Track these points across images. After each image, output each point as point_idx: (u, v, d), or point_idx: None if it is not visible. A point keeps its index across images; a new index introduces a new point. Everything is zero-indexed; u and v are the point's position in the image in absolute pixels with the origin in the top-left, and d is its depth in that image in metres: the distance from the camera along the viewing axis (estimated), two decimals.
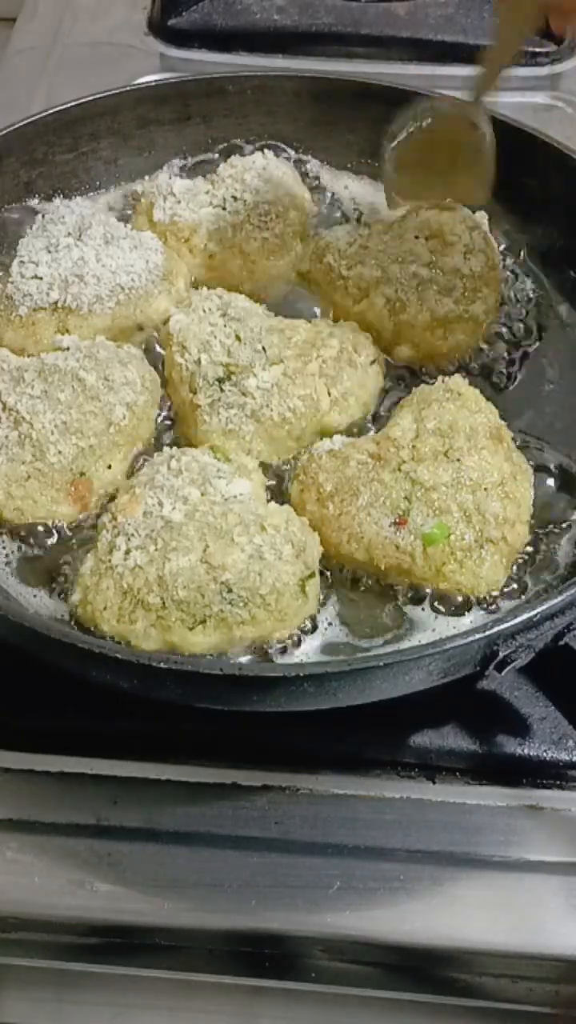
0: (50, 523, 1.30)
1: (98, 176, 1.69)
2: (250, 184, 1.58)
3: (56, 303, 1.42)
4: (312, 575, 1.21)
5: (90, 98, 1.64)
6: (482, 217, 1.54)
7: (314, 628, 1.22)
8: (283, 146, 1.72)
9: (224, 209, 1.56)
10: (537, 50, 2.03)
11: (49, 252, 1.45)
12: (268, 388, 1.34)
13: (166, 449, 1.30)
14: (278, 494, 1.33)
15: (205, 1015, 1.31)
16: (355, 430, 1.39)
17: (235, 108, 1.70)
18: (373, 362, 1.40)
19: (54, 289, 1.42)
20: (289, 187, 1.60)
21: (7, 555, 1.28)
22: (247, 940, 1.17)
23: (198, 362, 1.37)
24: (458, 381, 1.36)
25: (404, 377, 1.46)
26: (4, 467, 1.28)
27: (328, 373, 1.36)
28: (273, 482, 1.35)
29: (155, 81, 1.77)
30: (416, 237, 1.50)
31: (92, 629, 1.18)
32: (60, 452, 1.29)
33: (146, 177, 1.70)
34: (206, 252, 1.54)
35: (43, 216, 1.54)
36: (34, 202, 1.62)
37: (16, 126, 1.59)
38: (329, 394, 1.35)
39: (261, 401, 1.33)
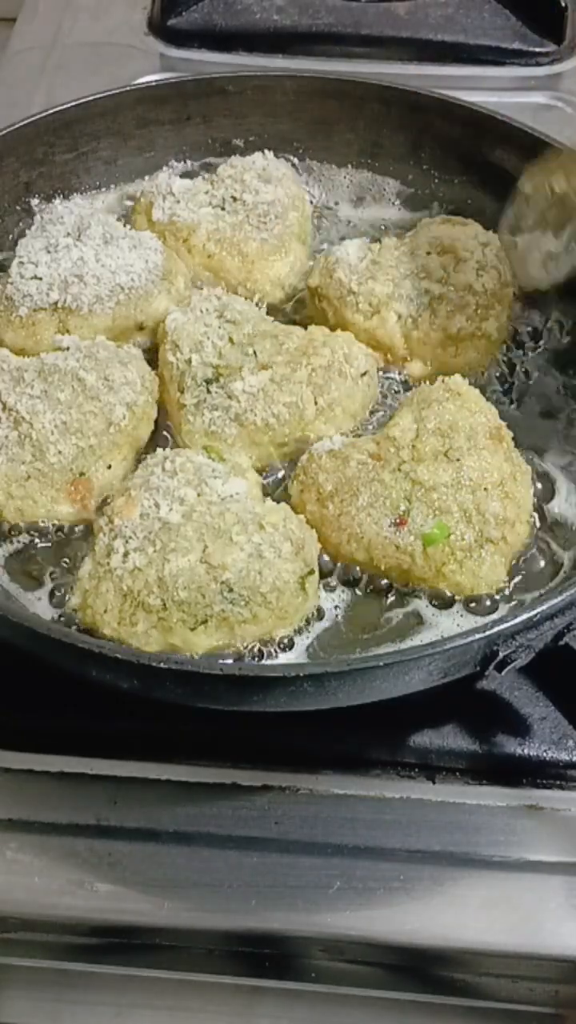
0: (50, 523, 1.30)
1: (98, 176, 1.69)
2: (250, 184, 1.58)
3: (56, 303, 1.42)
4: (311, 572, 1.21)
5: (90, 98, 1.64)
6: (494, 235, 1.51)
7: (313, 628, 1.22)
8: (283, 150, 1.71)
9: (223, 209, 1.56)
10: (537, 50, 2.03)
11: (48, 252, 1.45)
12: (254, 392, 1.33)
13: (159, 451, 1.30)
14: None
15: (205, 1015, 1.32)
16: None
17: (235, 108, 1.70)
18: (364, 374, 1.39)
19: (54, 289, 1.42)
20: (289, 188, 1.60)
21: (6, 555, 1.28)
22: (247, 940, 1.17)
23: (188, 362, 1.36)
24: (458, 381, 1.36)
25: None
26: (4, 467, 1.28)
27: (316, 382, 1.35)
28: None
29: (155, 81, 1.77)
30: (428, 253, 1.47)
31: (92, 632, 1.18)
32: (60, 452, 1.29)
33: (146, 177, 1.70)
34: (204, 252, 1.54)
35: (41, 216, 1.53)
36: (34, 202, 1.62)
37: (16, 126, 1.59)
38: (316, 403, 1.34)
39: (246, 405, 1.32)
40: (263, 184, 1.58)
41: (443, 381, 1.36)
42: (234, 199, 1.57)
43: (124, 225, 1.54)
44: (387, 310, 1.44)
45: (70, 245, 1.45)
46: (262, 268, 1.54)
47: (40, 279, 1.43)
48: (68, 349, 1.37)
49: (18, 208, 1.62)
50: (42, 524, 1.30)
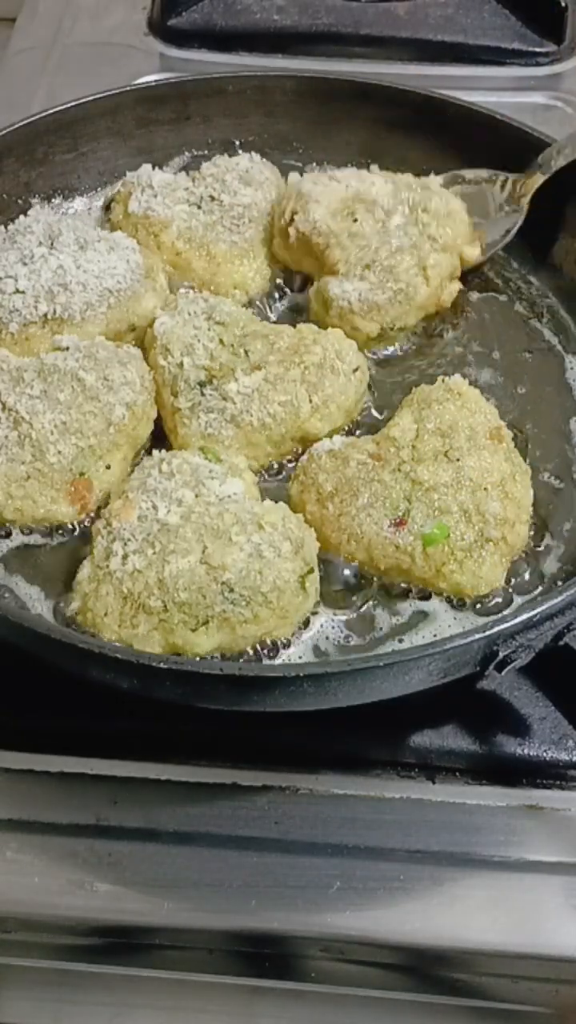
0: (50, 523, 1.30)
1: (98, 176, 1.69)
2: (229, 185, 1.57)
3: (46, 315, 1.39)
4: (311, 571, 1.21)
5: (90, 98, 1.64)
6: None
7: (313, 627, 1.22)
8: (283, 150, 1.71)
9: (199, 208, 1.55)
10: (537, 50, 2.03)
11: (25, 264, 1.42)
12: (248, 393, 1.33)
13: (155, 452, 1.30)
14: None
15: (205, 1015, 1.32)
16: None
17: (235, 108, 1.70)
18: (356, 369, 1.39)
19: (41, 301, 1.40)
20: (269, 193, 1.59)
21: (6, 555, 1.28)
22: (247, 940, 1.17)
23: (180, 365, 1.36)
24: (458, 381, 1.36)
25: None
26: (4, 467, 1.28)
27: (310, 380, 1.35)
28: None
29: (155, 81, 1.78)
30: (414, 213, 1.53)
31: (93, 635, 1.18)
32: (60, 452, 1.29)
33: None
34: (173, 249, 1.53)
35: (6, 227, 1.50)
36: (35, 202, 1.62)
37: (16, 126, 1.59)
38: (310, 401, 1.34)
39: (241, 406, 1.32)
40: (243, 186, 1.57)
41: (443, 381, 1.36)
42: (212, 198, 1.56)
43: (94, 227, 1.52)
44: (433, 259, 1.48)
45: (45, 255, 1.42)
46: (227, 271, 1.53)
47: (23, 292, 1.40)
48: (68, 349, 1.37)
49: (18, 208, 1.62)
50: (42, 524, 1.30)
